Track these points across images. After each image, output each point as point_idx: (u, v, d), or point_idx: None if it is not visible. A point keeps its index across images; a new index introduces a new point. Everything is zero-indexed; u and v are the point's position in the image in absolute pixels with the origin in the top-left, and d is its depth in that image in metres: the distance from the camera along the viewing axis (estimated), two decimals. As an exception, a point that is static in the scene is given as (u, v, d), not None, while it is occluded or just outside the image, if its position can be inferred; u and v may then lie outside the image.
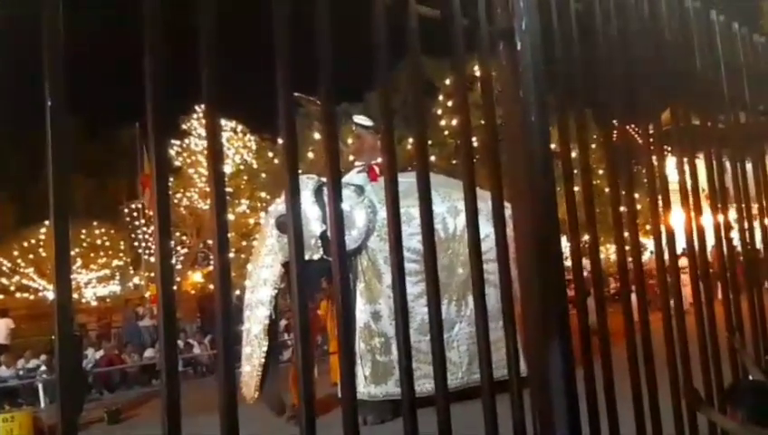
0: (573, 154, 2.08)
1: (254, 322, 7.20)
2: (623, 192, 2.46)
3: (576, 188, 2.06)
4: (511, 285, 1.72)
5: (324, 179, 7.65)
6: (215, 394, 1.12)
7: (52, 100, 1.01)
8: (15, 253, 20.67)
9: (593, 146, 8.65)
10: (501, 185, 1.75)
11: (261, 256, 7.59)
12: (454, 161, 15.27)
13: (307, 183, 7.30)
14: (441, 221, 7.18)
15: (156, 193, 1.09)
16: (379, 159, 8.34)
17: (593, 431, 1.84)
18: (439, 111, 18.03)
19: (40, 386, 11.09)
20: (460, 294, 7.15)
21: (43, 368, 11.83)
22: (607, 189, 2.27)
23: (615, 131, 2.63)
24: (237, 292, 17.30)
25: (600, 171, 11.68)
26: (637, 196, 2.97)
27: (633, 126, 3.03)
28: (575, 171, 2.08)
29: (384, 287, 7.04)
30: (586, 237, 2.15)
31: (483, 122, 1.77)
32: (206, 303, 16.85)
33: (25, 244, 21.10)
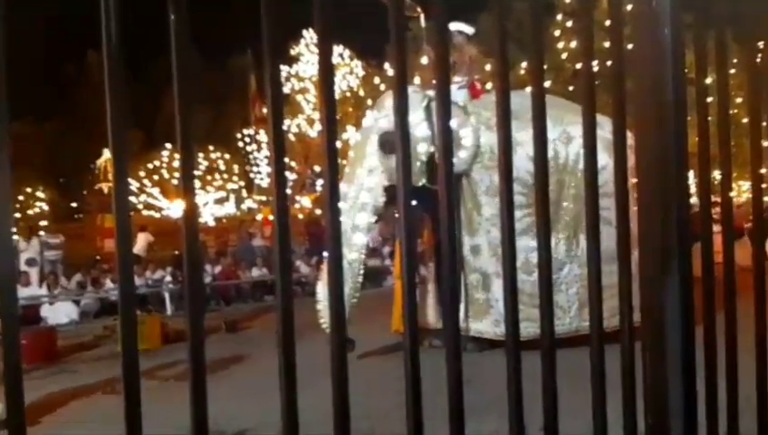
0: (708, 80, 1.87)
1: (351, 249, 6.41)
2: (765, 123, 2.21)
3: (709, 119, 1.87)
4: (628, 222, 1.58)
5: (432, 93, 6.77)
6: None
7: (176, 29, 1.03)
8: (142, 174, 22.46)
9: (732, 71, 7.75)
10: (624, 110, 1.60)
11: (359, 177, 6.69)
12: (571, 88, 14.46)
13: (414, 98, 6.29)
14: (552, 149, 6.44)
15: (270, 111, 1.11)
16: (478, 76, 7.66)
17: (709, 385, 1.70)
18: (557, 33, 16.99)
19: (166, 295, 12.21)
20: (570, 232, 6.51)
21: (168, 278, 12.99)
22: (745, 120, 2.04)
23: (759, 53, 2.34)
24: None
25: (738, 99, 10.57)
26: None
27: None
28: (709, 99, 1.88)
29: (484, 221, 6.56)
30: (717, 173, 1.97)
31: (606, 45, 1.62)
32: (313, 227, 17.51)
33: (150, 166, 22.86)
